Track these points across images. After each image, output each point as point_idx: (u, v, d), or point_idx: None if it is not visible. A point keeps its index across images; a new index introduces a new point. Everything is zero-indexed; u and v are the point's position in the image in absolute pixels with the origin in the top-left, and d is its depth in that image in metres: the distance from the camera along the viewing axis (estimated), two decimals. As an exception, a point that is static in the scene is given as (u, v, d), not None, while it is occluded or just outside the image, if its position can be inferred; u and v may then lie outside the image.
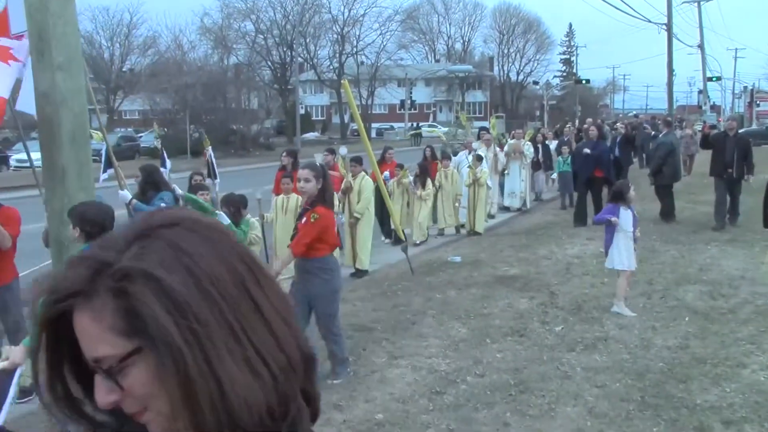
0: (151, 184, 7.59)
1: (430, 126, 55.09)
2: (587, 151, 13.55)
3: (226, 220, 7.13)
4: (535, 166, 18.32)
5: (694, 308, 7.71)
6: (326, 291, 5.93)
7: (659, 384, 5.63)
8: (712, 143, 12.98)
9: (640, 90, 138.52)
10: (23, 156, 33.62)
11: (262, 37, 56.92)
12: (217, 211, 7.29)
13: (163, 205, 6.95)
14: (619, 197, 7.77)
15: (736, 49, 75.46)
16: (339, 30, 61.40)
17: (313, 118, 74.83)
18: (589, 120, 27.66)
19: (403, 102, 55.55)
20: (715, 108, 64.98)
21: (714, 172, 12.70)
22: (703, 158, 17.81)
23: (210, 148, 8.94)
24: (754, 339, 6.63)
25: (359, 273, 10.36)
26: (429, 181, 12.85)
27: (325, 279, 5.90)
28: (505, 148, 16.61)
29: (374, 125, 60.98)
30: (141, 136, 45.29)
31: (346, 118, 62.56)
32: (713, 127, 14.77)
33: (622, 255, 7.68)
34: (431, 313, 7.91)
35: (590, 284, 8.91)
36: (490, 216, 15.83)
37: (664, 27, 36.17)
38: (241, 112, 48.32)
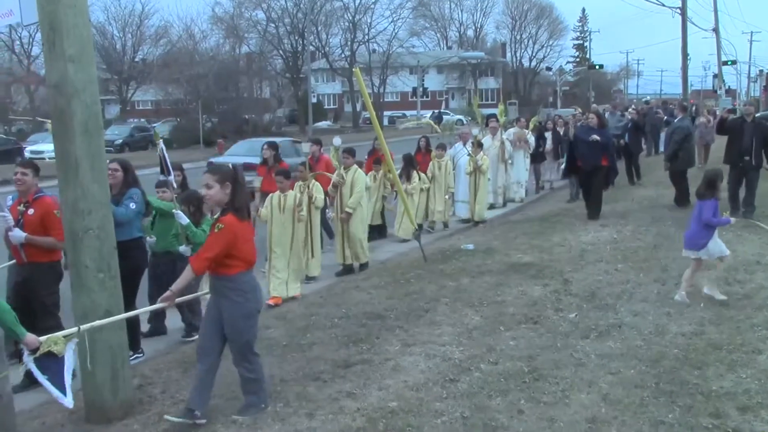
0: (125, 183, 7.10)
1: (442, 113, 54.95)
2: (596, 138, 12.44)
3: (184, 220, 7.10)
4: (539, 156, 17.64)
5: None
6: (236, 314, 5.04)
7: (674, 370, 5.61)
8: (728, 129, 12.31)
9: (655, 75, 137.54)
10: (38, 147, 33.94)
11: (273, 25, 56.88)
12: (175, 210, 7.14)
13: (132, 206, 6.82)
14: (713, 186, 7.62)
15: (752, 32, 74.64)
16: (350, 18, 61.21)
17: (326, 106, 74.86)
18: (594, 106, 27.30)
19: (415, 89, 55.39)
20: (730, 92, 64.38)
21: (728, 160, 12.16)
22: (718, 146, 17.57)
23: (161, 141, 8.39)
24: (770, 325, 6.58)
25: (347, 271, 10.12)
26: (415, 174, 12.37)
27: (235, 301, 5.03)
28: (505, 135, 15.83)
29: (386, 113, 60.90)
30: (154, 127, 45.42)
31: (358, 107, 62.54)
32: (732, 111, 13.78)
33: (718, 242, 7.62)
34: (444, 300, 7.90)
35: (604, 271, 8.87)
36: (503, 203, 15.71)
37: (678, 11, 35.82)
38: (253, 101, 48.47)
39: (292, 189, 9.16)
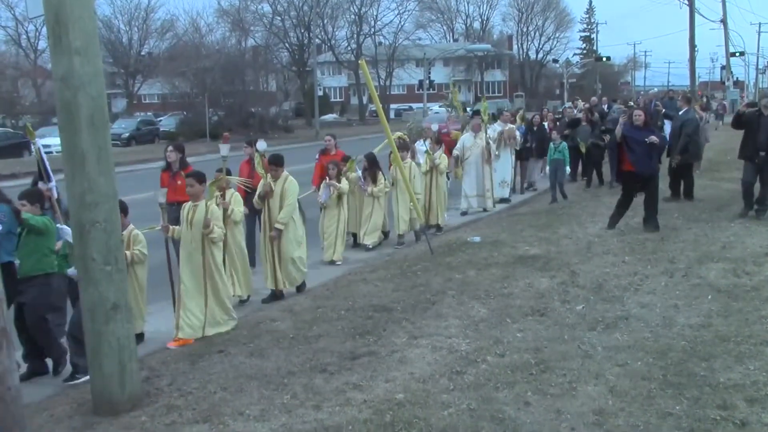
0: None
1: (440, 106, 54.76)
2: (654, 139, 10.45)
3: (69, 236, 6.17)
4: (526, 152, 16.26)
5: (717, 286, 7.63)
6: None
7: (681, 362, 5.59)
8: (745, 123, 11.43)
9: (662, 67, 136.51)
10: (46, 141, 34.00)
11: (279, 18, 56.79)
12: (59, 225, 6.56)
13: None
14: None
15: (760, 24, 74.39)
16: (356, 10, 61.08)
17: (332, 99, 74.83)
18: (593, 99, 26.23)
19: (421, 82, 55.17)
20: (738, 84, 64.07)
21: (744, 155, 11.42)
22: (711, 145, 16.99)
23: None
24: (779, 317, 6.55)
25: (276, 297, 8.63)
26: (381, 175, 11.19)
27: None
28: (489, 131, 14.27)
29: (393, 106, 60.77)
30: (161, 120, 45.54)
31: (365, 99, 62.44)
32: (752, 105, 12.71)
33: None
34: (451, 293, 7.90)
35: (611, 263, 8.85)
36: (505, 200, 14.89)
37: (686, 2, 35.61)
38: (260, 94, 48.41)
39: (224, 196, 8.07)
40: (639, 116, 10.77)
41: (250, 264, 8.83)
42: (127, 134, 38.97)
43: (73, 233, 5.41)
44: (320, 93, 56.06)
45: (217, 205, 7.61)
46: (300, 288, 8.85)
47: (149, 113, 51.64)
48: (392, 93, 65.82)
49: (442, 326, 6.78)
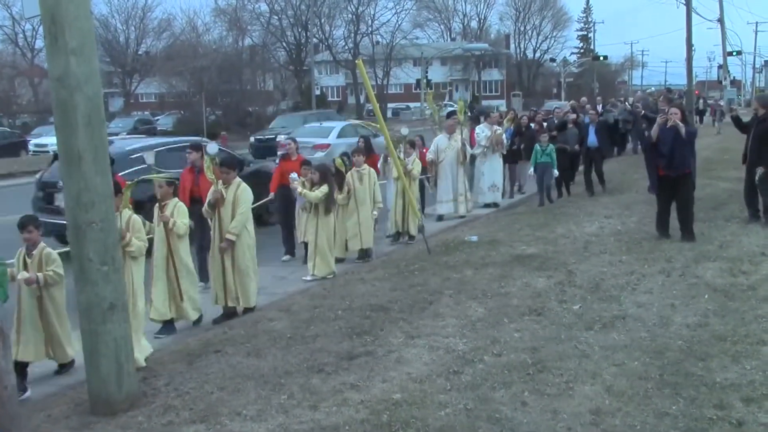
0: None
1: (446, 105, 54.80)
2: (672, 119, 9.57)
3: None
4: (515, 155, 15.58)
5: (714, 285, 7.64)
6: None
7: (678, 362, 5.60)
8: (748, 126, 10.99)
9: (659, 66, 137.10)
10: (42, 141, 33.97)
11: (276, 17, 56.72)
12: None
13: None
14: None
15: (757, 23, 74.51)
16: (353, 9, 61.02)
17: (329, 98, 74.70)
18: (583, 99, 25.48)
19: (418, 81, 55.23)
20: (735, 83, 64.12)
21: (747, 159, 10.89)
22: (714, 143, 16.81)
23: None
24: (775, 316, 6.56)
25: (229, 316, 7.89)
26: (326, 186, 9.52)
27: None
28: (477, 133, 14.05)
29: (390, 105, 60.82)
30: (158, 119, 45.51)
31: (362, 99, 62.42)
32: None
33: None
34: (448, 292, 7.90)
35: (608, 262, 8.86)
36: (489, 204, 14.34)
37: (683, 1, 35.62)
38: (257, 93, 48.47)
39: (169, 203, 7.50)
40: (675, 114, 9.65)
41: (202, 279, 8.46)
42: (125, 133, 38.89)
43: (69, 233, 5.40)
44: (317, 92, 55.88)
45: (160, 218, 7.33)
46: (249, 310, 7.97)
47: (146, 112, 51.57)
48: (389, 92, 65.78)
49: (439, 326, 6.78)
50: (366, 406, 5.07)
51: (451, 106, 54.74)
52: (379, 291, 8.18)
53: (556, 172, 14.03)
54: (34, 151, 33.57)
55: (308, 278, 9.32)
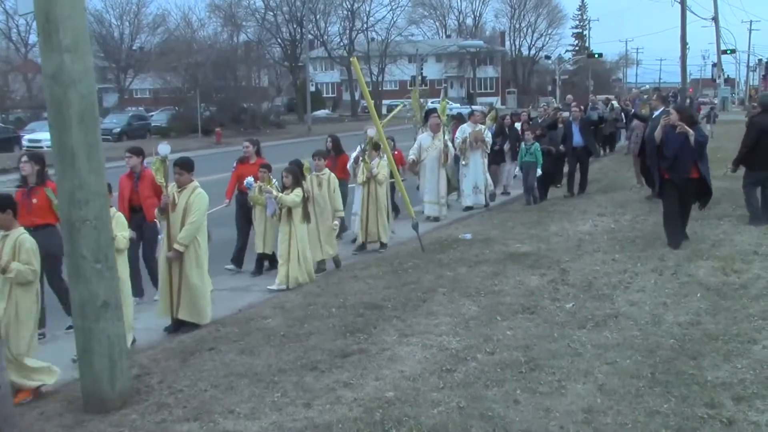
0: None
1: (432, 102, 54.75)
2: (673, 121, 9.10)
3: None
4: (498, 156, 15.08)
5: (706, 284, 7.67)
6: None
7: (670, 360, 5.63)
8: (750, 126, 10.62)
9: (654, 64, 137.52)
10: (36, 136, 33.83)
11: (271, 13, 56.76)
12: None
13: None
14: None
15: (751, 21, 74.97)
16: (349, 6, 61.06)
17: (324, 95, 74.68)
18: (569, 97, 24.92)
19: (413, 78, 55.18)
20: (729, 81, 64.29)
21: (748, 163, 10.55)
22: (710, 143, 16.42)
23: None
24: (766, 315, 6.58)
25: (179, 325, 7.43)
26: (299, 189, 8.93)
27: None
28: (458, 133, 13.59)
29: (385, 102, 60.71)
30: (152, 115, 45.41)
31: (357, 95, 62.39)
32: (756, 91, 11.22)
33: None
34: (442, 290, 7.92)
35: (601, 261, 8.89)
36: (470, 207, 13.74)
37: (678, -1, 35.71)
38: (252, 90, 48.35)
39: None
40: (674, 115, 9.31)
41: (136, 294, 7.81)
42: (119, 129, 38.78)
43: (63, 231, 5.40)
44: (312, 88, 55.96)
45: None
46: (194, 326, 7.38)
47: (141, 108, 51.37)
48: (384, 89, 65.77)
49: (432, 324, 6.80)
50: (359, 404, 5.09)
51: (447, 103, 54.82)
52: (372, 289, 8.19)
53: (539, 172, 13.77)
54: (27, 147, 33.44)
55: (274, 287, 8.79)
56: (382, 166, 10.56)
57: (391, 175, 11.05)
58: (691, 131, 9.01)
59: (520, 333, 6.44)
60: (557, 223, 11.47)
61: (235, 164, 10.26)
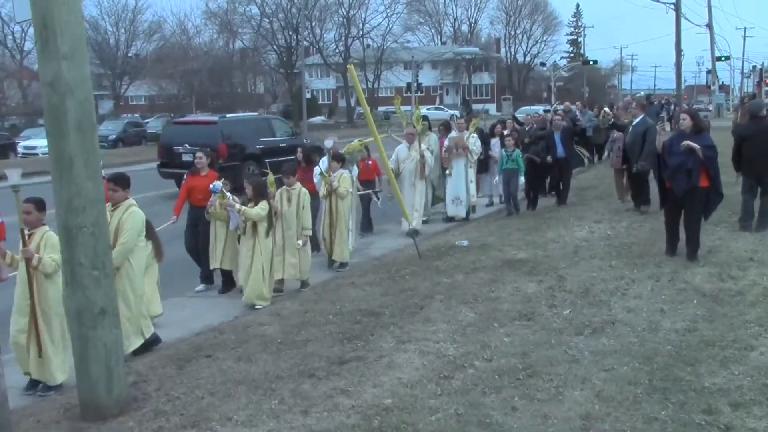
0: None
1: (437, 109, 54.90)
2: (691, 145, 8.69)
3: None
4: (480, 165, 14.23)
5: (703, 291, 7.69)
6: None
7: (667, 367, 5.64)
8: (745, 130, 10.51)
9: (649, 70, 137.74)
10: (31, 143, 33.78)
11: (267, 20, 56.72)
12: None
13: None
14: None
15: (745, 28, 75.21)
16: (344, 13, 61.11)
17: (320, 102, 74.68)
18: (565, 104, 24.88)
19: (409, 85, 55.25)
20: (724, 88, 64.54)
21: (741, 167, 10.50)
22: None
23: None
24: (763, 321, 6.61)
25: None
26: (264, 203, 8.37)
27: None
28: (446, 142, 13.11)
29: (381, 109, 60.79)
30: (148, 122, 45.41)
31: (353, 102, 62.44)
32: (753, 96, 11.26)
33: None
34: (439, 297, 7.92)
35: (598, 267, 8.90)
36: (451, 218, 13.21)
37: (672, 6, 35.88)
38: (247, 96, 48.54)
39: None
40: (684, 120, 9.04)
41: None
42: (114, 136, 38.77)
43: (60, 238, 5.39)
44: (308, 95, 55.86)
45: (23, 252, 5.93)
46: (138, 351, 6.76)
47: (136, 115, 51.37)
48: (380, 95, 65.86)
49: (430, 331, 6.79)
50: (357, 411, 5.08)
51: (441, 109, 54.76)
52: (369, 296, 8.19)
53: (522, 180, 13.39)
54: (23, 154, 33.41)
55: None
56: (344, 179, 9.99)
57: (367, 187, 10.93)
58: (697, 146, 8.65)
59: (517, 340, 6.44)
60: (554, 230, 11.48)
61: (185, 177, 9.50)
